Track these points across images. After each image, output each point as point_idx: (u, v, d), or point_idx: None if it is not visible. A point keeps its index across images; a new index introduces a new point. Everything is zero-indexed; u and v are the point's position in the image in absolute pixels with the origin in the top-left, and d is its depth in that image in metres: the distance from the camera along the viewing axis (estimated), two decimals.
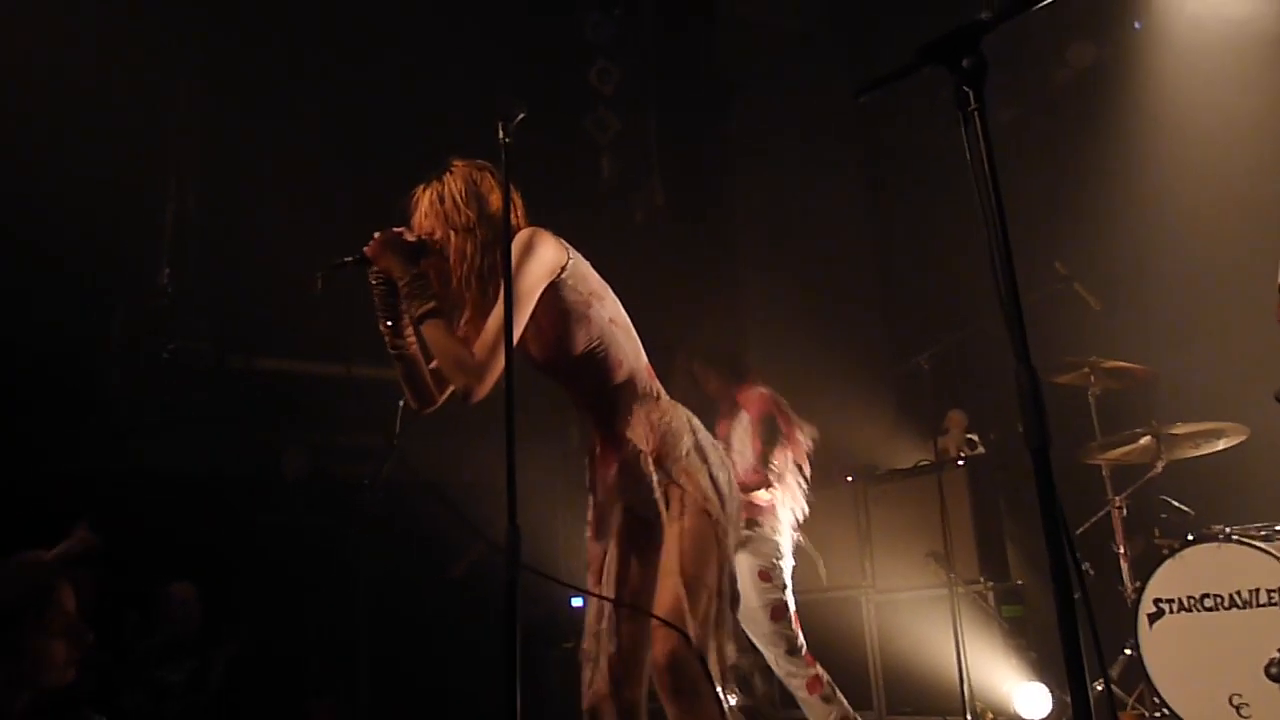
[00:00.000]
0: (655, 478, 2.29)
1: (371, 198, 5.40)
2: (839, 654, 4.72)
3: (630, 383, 2.39)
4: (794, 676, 3.70)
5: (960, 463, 4.99)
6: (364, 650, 4.86)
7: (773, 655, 3.74)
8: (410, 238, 2.36)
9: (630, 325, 2.46)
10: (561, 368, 2.40)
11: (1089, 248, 5.33)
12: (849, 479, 5.24)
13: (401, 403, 4.59)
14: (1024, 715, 4.29)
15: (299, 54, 5.58)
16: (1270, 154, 4.62)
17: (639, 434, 2.33)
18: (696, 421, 2.42)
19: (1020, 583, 4.83)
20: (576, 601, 4.13)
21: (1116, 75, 5.87)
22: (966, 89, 1.59)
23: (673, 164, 6.63)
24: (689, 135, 6.54)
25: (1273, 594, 3.74)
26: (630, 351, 2.41)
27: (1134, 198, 5.50)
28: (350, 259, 2.34)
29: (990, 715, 4.37)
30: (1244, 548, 3.87)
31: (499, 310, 2.14)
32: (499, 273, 2.21)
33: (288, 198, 5.28)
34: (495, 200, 2.34)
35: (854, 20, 7.39)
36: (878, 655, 4.84)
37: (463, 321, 2.37)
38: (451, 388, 2.38)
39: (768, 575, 3.77)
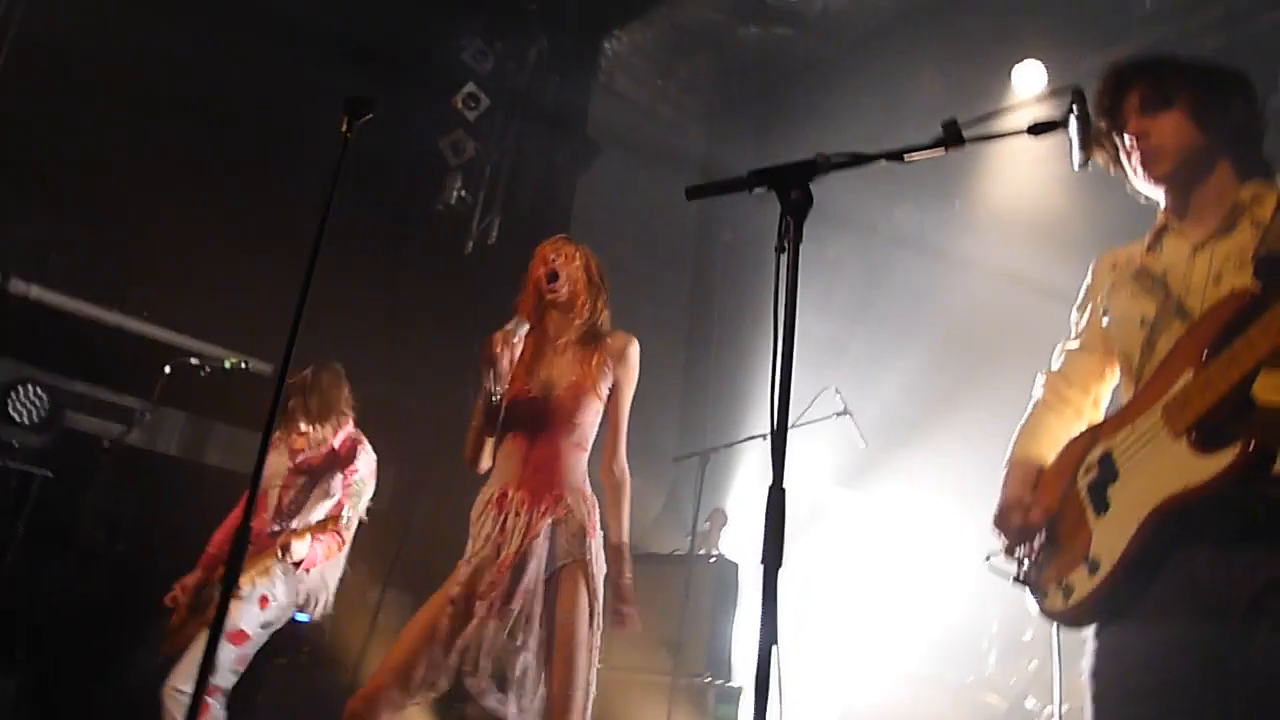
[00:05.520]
0: (567, 554, 2.66)
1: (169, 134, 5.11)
2: None
3: (585, 467, 2.83)
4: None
5: (711, 559, 5.16)
6: (56, 616, 4.42)
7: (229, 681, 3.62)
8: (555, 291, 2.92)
9: None
10: (559, 421, 2.80)
11: (871, 388, 5.72)
12: None
13: (168, 369, 4.34)
14: None
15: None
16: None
17: (578, 508, 2.72)
18: None
19: (741, 686, 4.99)
20: (301, 616, 3.94)
21: (934, 242, 6.41)
22: (789, 219, 1.69)
23: (516, 204, 6.64)
24: (539, 181, 6.59)
25: None
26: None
27: (924, 352, 5.98)
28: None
29: None
30: None
31: (622, 415, 2.88)
32: (590, 334, 2.91)
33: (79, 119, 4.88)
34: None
35: (719, 120, 7.76)
36: None
37: (561, 341, 2.91)
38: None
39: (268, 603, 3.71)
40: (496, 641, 2.55)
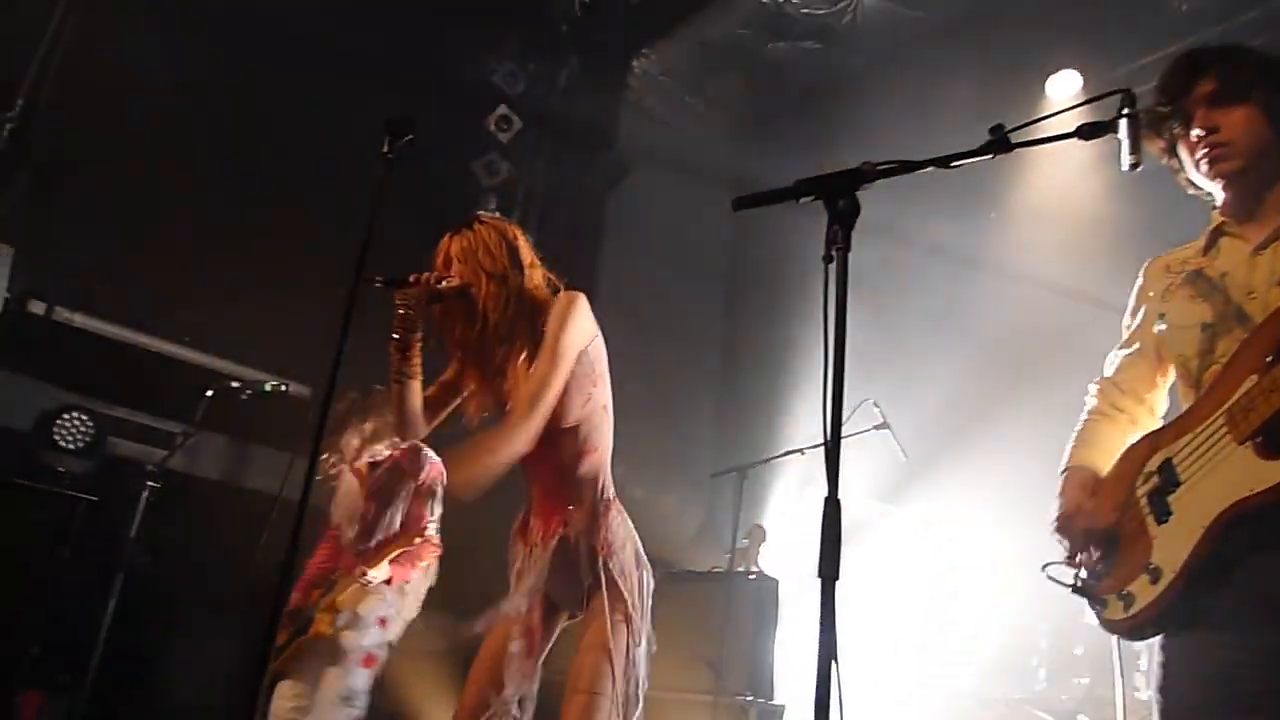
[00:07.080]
0: (588, 573, 2.35)
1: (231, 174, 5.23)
2: None
3: (596, 473, 2.44)
4: None
5: (751, 576, 5.11)
6: (102, 641, 4.46)
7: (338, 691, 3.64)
8: (448, 284, 2.41)
9: (612, 422, 2.52)
10: (541, 433, 2.36)
11: (908, 402, 5.66)
12: None
13: (209, 392, 4.40)
14: None
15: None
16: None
17: (584, 524, 2.38)
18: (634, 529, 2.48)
19: (783, 705, 4.93)
20: None
21: (969, 253, 6.35)
22: (837, 227, 1.67)
23: (549, 226, 6.68)
24: (572, 201, 6.63)
25: None
26: (606, 445, 2.48)
27: (961, 365, 5.92)
28: (383, 280, 2.39)
29: None
30: None
31: (541, 368, 2.28)
32: (526, 319, 2.40)
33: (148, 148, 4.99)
34: (527, 252, 2.49)
35: (749, 135, 7.76)
36: None
37: (493, 363, 2.45)
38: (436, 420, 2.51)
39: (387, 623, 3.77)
40: (521, 685, 2.38)
